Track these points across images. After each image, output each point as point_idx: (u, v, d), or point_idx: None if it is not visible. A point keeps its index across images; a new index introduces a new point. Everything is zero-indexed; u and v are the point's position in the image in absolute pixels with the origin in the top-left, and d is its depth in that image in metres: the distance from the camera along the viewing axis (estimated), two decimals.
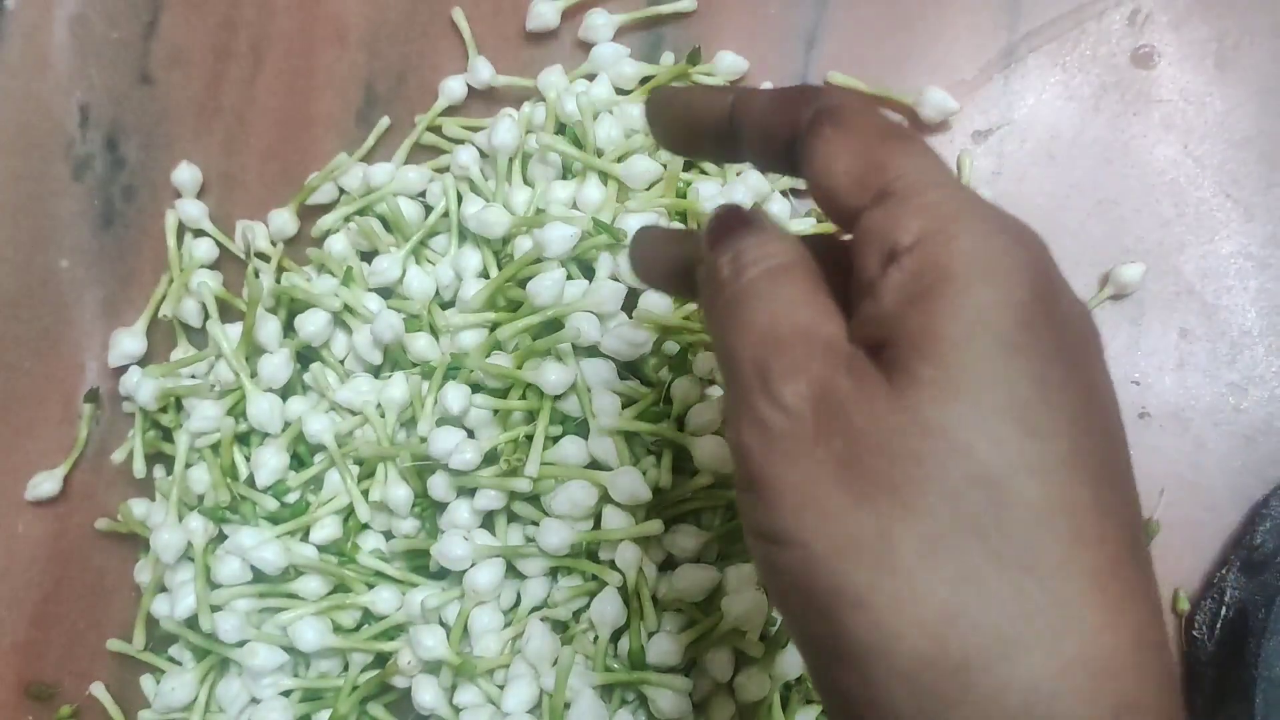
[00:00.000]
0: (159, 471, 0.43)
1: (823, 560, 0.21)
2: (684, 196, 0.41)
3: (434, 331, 0.41)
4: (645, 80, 0.45)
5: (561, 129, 0.44)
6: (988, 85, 0.45)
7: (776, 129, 0.26)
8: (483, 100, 0.46)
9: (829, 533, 0.21)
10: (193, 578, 0.40)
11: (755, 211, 0.26)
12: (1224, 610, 0.39)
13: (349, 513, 0.41)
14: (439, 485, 0.39)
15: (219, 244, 0.45)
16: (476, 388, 0.40)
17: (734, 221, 0.26)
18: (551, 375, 0.38)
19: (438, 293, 0.42)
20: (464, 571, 0.39)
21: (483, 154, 0.44)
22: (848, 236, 0.24)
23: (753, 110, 0.26)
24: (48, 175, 0.47)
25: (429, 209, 0.44)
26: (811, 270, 0.24)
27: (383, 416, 0.40)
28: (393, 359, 0.42)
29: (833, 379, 0.22)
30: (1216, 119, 0.44)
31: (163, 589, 0.41)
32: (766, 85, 0.44)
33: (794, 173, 0.26)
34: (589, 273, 0.41)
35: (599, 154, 0.42)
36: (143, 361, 0.44)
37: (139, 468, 0.43)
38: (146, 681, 0.42)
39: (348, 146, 0.46)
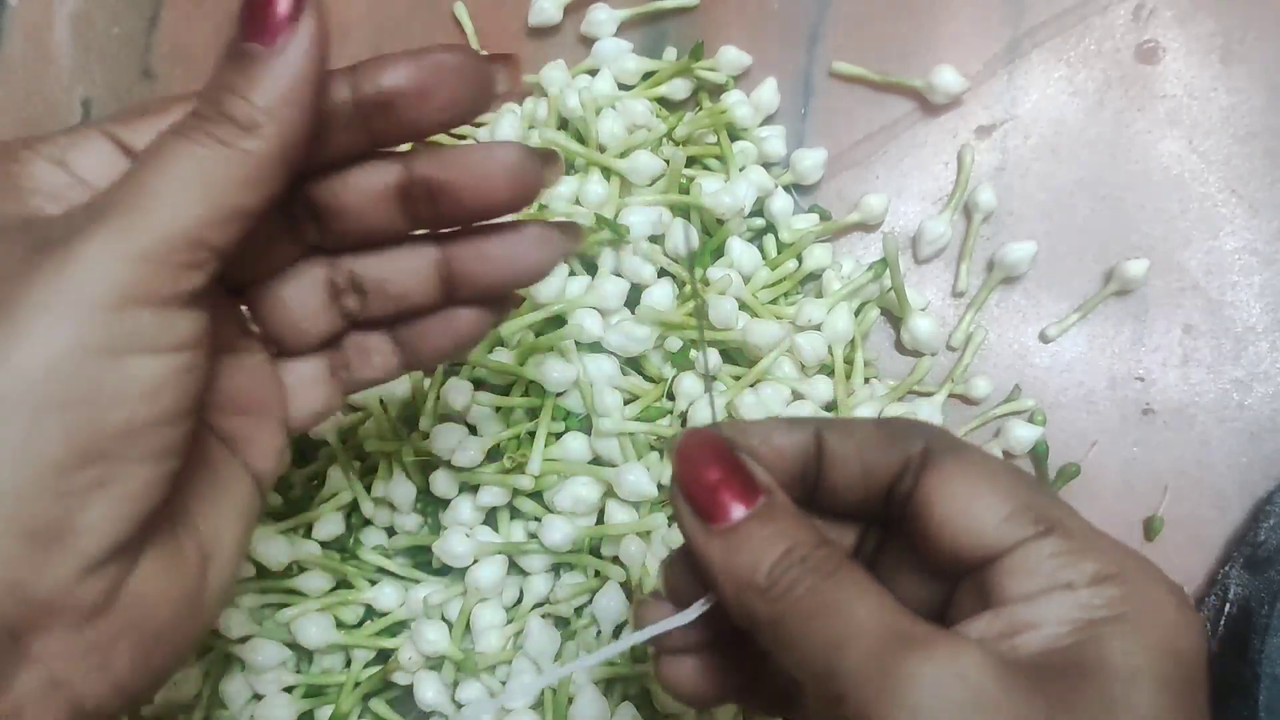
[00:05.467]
0: None
1: None
2: (687, 192, 0.41)
3: None
4: (648, 75, 0.44)
5: (564, 124, 0.44)
6: (992, 80, 0.45)
7: (879, 466, 0.25)
8: None
9: None
10: None
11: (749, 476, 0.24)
12: (1227, 607, 0.39)
13: (352, 509, 0.41)
14: (441, 482, 0.39)
15: None
16: (479, 384, 0.40)
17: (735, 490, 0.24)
18: (554, 372, 0.38)
19: None
20: (466, 568, 0.39)
21: None
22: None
23: (850, 443, 0.25)
24: None
25: None
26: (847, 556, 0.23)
27: (386, 412, 0.40)
28: None
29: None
30: (1221, 114, 0.44)
31: None
32: (770, 80, 0.44)
33: (879, 516, 0.25)
34: (592, 269, 0.41)
35: (601, 149, 0.42)
36: None
37: None
38: None
39: None
